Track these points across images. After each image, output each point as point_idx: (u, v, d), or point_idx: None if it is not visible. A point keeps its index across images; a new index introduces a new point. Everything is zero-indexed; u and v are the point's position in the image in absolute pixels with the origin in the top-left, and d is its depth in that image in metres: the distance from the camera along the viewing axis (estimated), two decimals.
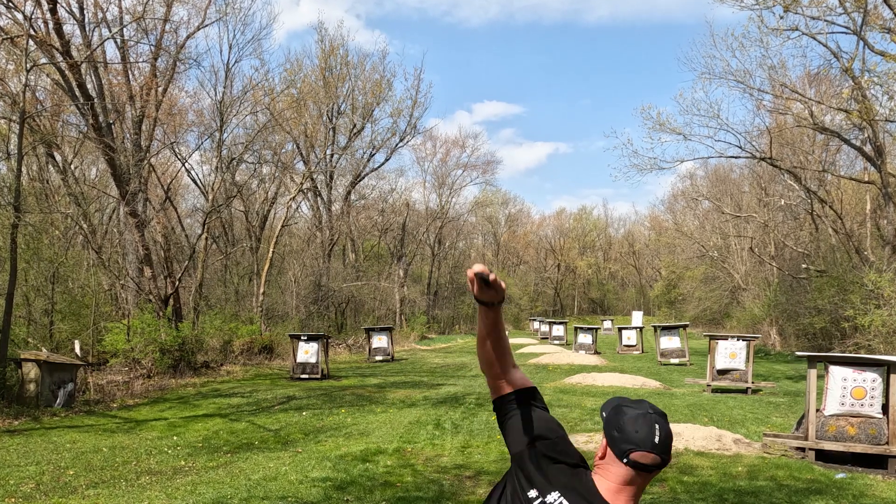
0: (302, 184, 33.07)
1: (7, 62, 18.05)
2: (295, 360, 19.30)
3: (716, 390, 15.90)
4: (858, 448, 8.50)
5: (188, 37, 22.26)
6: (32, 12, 15.64)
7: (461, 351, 32.74)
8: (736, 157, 25.96)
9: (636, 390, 15.96)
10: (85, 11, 19.13)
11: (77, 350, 16.21)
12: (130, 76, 21.80)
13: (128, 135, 21.32)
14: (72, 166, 25.38)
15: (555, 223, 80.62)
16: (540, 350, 29.79)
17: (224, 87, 25.61)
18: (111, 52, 26.85)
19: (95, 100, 18.52)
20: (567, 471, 1.72)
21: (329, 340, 22.08)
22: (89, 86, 18.77)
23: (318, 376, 18.89)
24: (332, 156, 38.91)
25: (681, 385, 17.32)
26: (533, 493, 1.70)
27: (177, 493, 7.27)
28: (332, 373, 20.32)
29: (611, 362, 24.28)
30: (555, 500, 1.67)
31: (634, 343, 30.27)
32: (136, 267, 21.15)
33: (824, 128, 22.12)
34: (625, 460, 1.65)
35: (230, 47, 26.69)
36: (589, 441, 9.81)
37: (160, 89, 21.87)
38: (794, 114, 22.96)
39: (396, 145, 41.78)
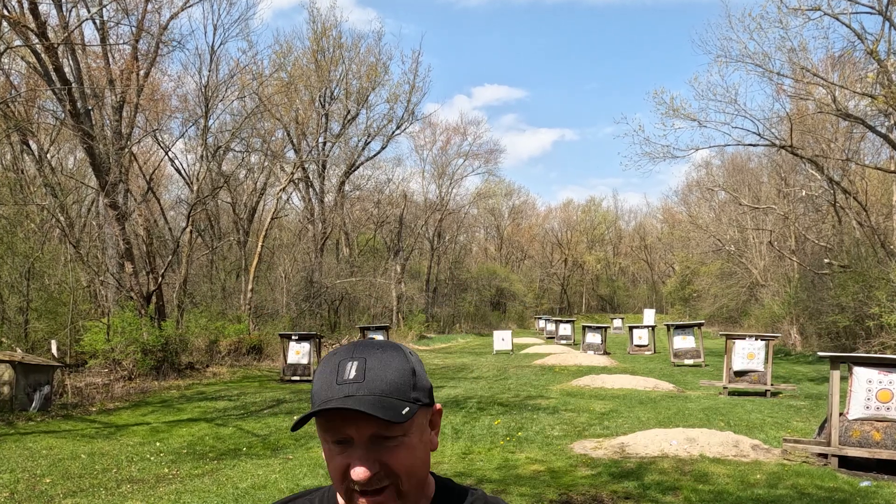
0: (293, 174, 33.03)
1: None
2: (285, 361, 19.30)
3: (732, 393, 15.89)
4: (884, 454, 8.48)
5: (171, 17, 22.19)
6: None
7: (462, 351, 32.75)
8: (754, 145, 25.89)
9: (648, 392, 15.95)
10: None
11: (54, 350, 16.19)
12: (110, 59, 21.69)
13: (107, 121, 21.25)
14: (48, 155, 25.32)
15: (561, 215, 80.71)
16: (546, 350, 29.80)
17: (209, 71, 25.53)
18: (90, 33, 26.75)
19: (73, 84, 18.44)
20: None
21: (322, 340, 22.07)
22: (67, 69, 18.69)
23: (310, 378, 18.88)
24: (324, 144, 38.86)
25: (695, 387, 17.31)
26: None
27: (160, 503, 7.26)
28: None
29: (621, 363, 24.29)
30: None
31: (646, 343, 30.28)
32: (117, 262, 21.12)
33: (848, 114, 22.04)
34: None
35: (215, 28, 26.53)
36: (598, 447, 9.80)
37: (142, 73, 21.79)
38: (816, 99, 22.87)
39: (393, 133, 41.74)
